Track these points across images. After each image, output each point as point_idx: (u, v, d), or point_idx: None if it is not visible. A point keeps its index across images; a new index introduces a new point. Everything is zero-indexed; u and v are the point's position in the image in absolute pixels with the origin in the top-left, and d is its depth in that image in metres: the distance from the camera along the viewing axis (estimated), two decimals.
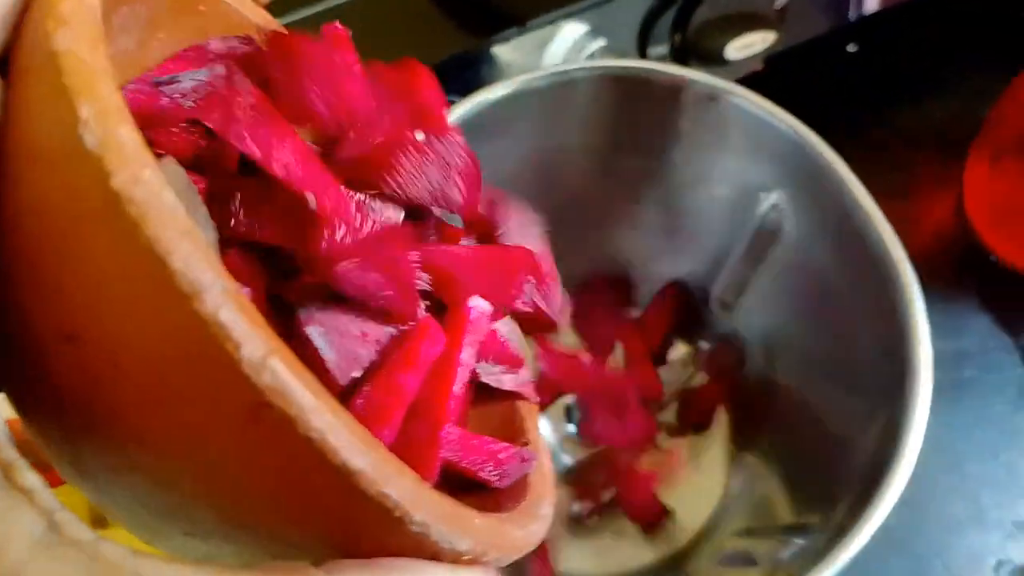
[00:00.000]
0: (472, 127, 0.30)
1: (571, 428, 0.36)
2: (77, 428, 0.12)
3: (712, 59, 0.41)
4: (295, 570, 0.11)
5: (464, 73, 0.40)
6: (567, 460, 0.36)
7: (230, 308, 0.10)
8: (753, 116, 0.29)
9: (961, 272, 0.46)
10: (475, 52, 0.39)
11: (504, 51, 0.40)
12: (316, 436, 0.10)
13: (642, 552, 0.34)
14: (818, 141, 0.28)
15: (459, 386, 0.15)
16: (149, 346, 0.10)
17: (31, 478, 0.10)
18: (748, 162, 0.31)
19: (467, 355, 0.15)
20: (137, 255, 0.10)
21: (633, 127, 0.31)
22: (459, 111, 0.29)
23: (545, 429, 0.36)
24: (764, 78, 0.45)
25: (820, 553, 0.25)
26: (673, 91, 0.29)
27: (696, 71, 0.29)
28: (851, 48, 0.52)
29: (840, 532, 0.26)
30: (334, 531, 0.11)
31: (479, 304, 0.16)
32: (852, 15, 0.46)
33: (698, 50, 0.40)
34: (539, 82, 0.29)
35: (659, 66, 0.29)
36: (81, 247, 0.10)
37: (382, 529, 0.11)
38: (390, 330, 0.14)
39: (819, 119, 0.30)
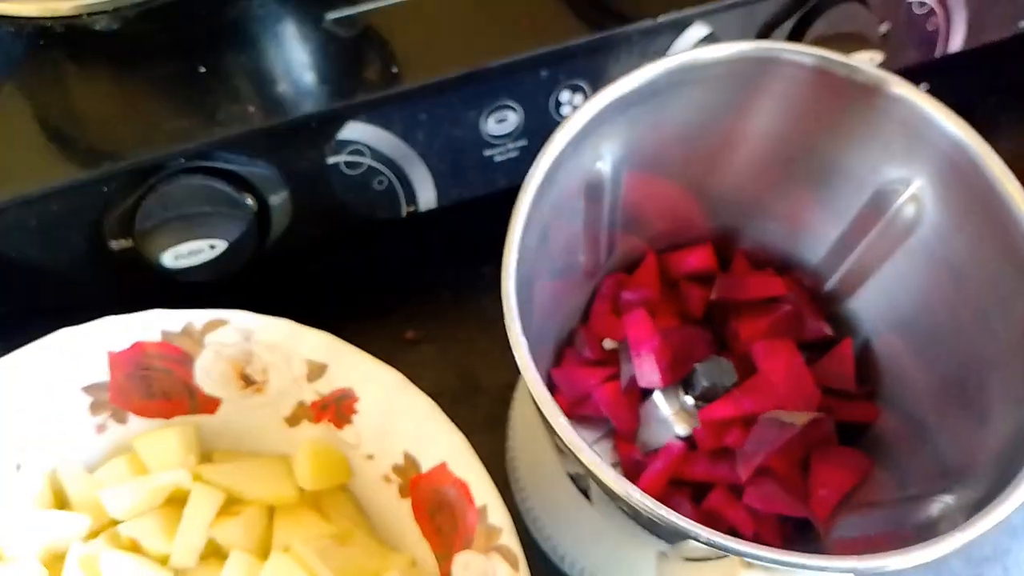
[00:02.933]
0: (648, 91, 0.31)
1: (689, 401, 0.37)
2: None
3: None
4: None
5: (590, 59, 0.42)
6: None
7: None
8: (912, 107, 0.31)
9: None
10: (608, 39, 0.41)
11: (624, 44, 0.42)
12: None
13: None
14: (971, 131, 0.30)
15: None
16: None
17: None
18: (893, 152, 0.33)
19: None
20: None
21: (784, 113, 0.33)
22: (647, 73, 0.30)
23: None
24: None
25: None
26: (868, 90, 0.31)
27: (860, 61, 0.31)
28: (924, 86, 0.55)
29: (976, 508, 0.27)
30: None
31: None
32: (939, 52, 0.50)
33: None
34: (742, 54, 0.31)
35: (851, 61, 0.31)
36: None
37: None
38: None
39: None
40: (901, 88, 0.31)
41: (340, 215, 0.42)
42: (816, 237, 0.38)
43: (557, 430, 0.26)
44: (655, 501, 0.25)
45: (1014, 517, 0.43)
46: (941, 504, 0.29)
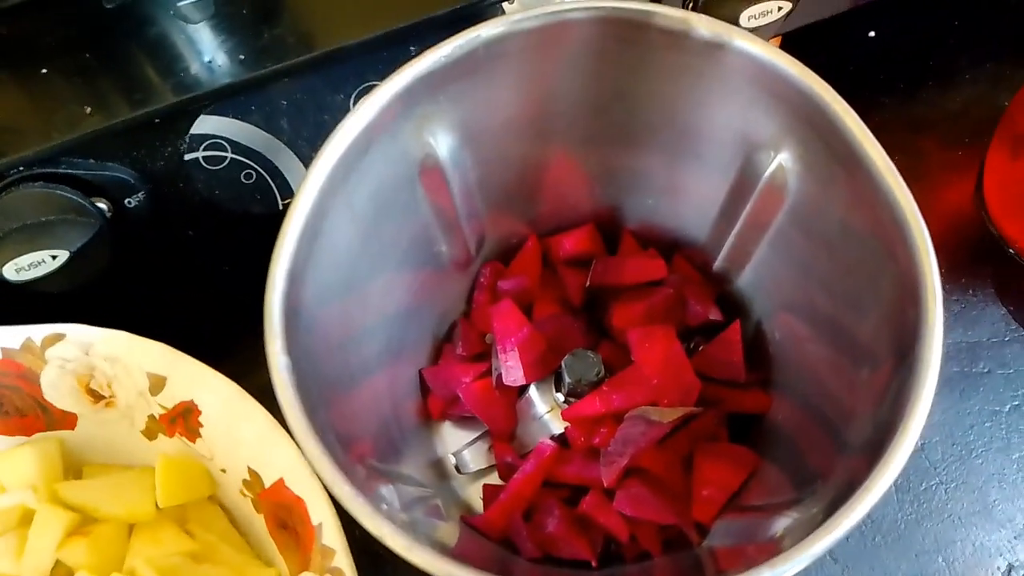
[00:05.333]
0: (462, 69, 0.28)
1: (560, 398, 0.34)
2: None
3: None
4: None
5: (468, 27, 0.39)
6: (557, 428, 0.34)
7: None
8: (761, 64, 0.27)
9: (977, 262, 0.45)
10: (481, 5, 0.37)
11: (509, 9, 0.39)
12: None
13: None
14: (829, 90, 0.27)
15: None
16: None
17: None
18: (755, 116, 0.29)
19: None
20: None
21: (632, 75, 0.30)
22: (445, 49, 0.28)
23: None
24: None
25: (812, 527, 0.24)
26: (676, 36, 0.28)
27: (701, 15, 0.28)
28: (871, 34, 0.51)
29: (831, 509, 0.24)
30: None
31: None
32: None
33: (712, 15, 0.39)
34: (531, 22, 0.27)
35: (661, 8, 0.27)
36: None
37: None
38: None
39: None
40: (742, 41, 0.27)
41: (209, 213, 0.40)
42: (699, 212, 0.34)
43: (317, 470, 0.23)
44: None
45: (961, 508, 0.40)
46: (788, 519, 0.26)
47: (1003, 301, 0.43)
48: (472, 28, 0.27)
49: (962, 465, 0.40)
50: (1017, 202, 0.44)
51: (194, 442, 0.34)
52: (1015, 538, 0.39)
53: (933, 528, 0.39)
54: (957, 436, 0.41)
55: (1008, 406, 0.41)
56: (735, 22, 0.37)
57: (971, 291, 0.44)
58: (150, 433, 0.35)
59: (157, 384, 0.33)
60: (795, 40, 0.43)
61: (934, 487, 0.40)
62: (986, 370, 0.42)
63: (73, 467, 0.37)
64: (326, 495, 0.30)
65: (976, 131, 0.47)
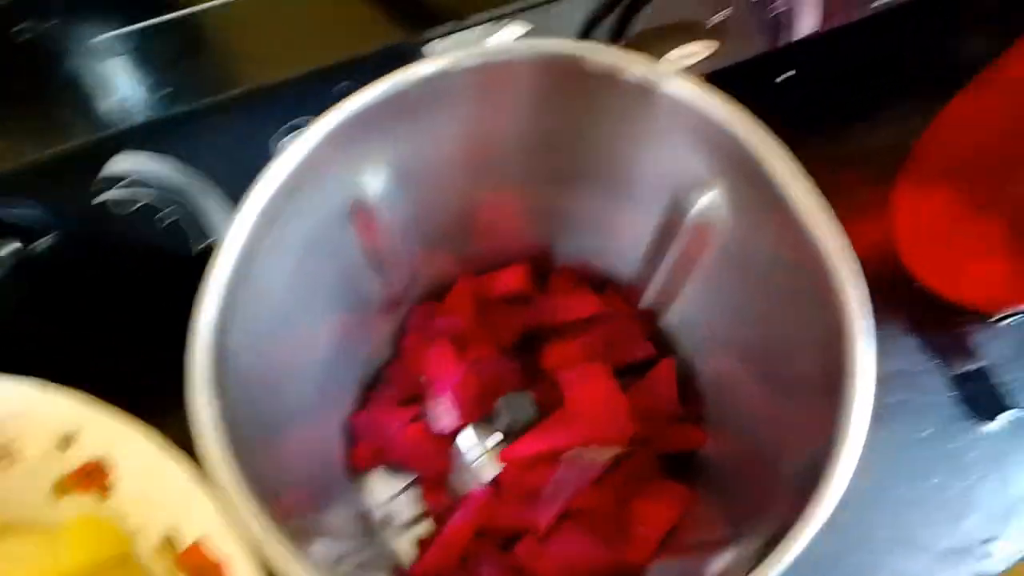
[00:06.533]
0: (396, 108, 0.28)
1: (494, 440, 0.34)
2: None
3: None
4: None
5: (397, 67, 0.38)
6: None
7: None
8: (690, 106, 0.28)
9: (890, 296, 0.46)
10: (410, 45, 0.37)
11: (441, 47, 0.39)
12: None
13: None
14: (755, 129, 0.27)
15: None
16: None
17: None
18: (685, 156, 0.30)
19: None
20: None
21: (566, 115, 0.30)
22: (383, 86, 0.27)
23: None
24: None
25: (750, 566, 0.24)
26: (608, 76, 0.28)
27: (634, 55, 0.28)
28: (780, 79, 0.53)
29: (769, 546, 0.24)
30: None
31: None
32: (783, 40, 0.47)
33: None
34: (469, 61, 0.27)
35: (594, 48, 0.27)
36: None
37: None
38: None
39: None
40: (672, 81, 0.28)
41: (124, 256, 0.38)
42: (628, 249, 0.34)
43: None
44: None
45: (882, 535, 0.41)
46: (725, 559, 0.26)
47: (915, 333, 0.45)
48: (406, 67, 0.27)
49: (881, 494, 0.41)
50: (923, 238, 0.46)
51: (107, 499, 0.32)
52: (935, 563, 0.40)
53: (855, 559, 0.40)
54: (876, 466, 0.42)
55: (924, 433, 0.43)
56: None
57: (884, 324, 0.46)
58: (60, 490, 0.33)
59: (67, 438, 0.31)
60: (717, 82, 0.45)
61: (855, 518, 0.41)
62: (902, 400, 0.44)
63: None
64: (250, 555, 0.29)
65: (892, 169, 0.49)
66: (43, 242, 0.36)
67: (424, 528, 0.34)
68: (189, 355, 0.23)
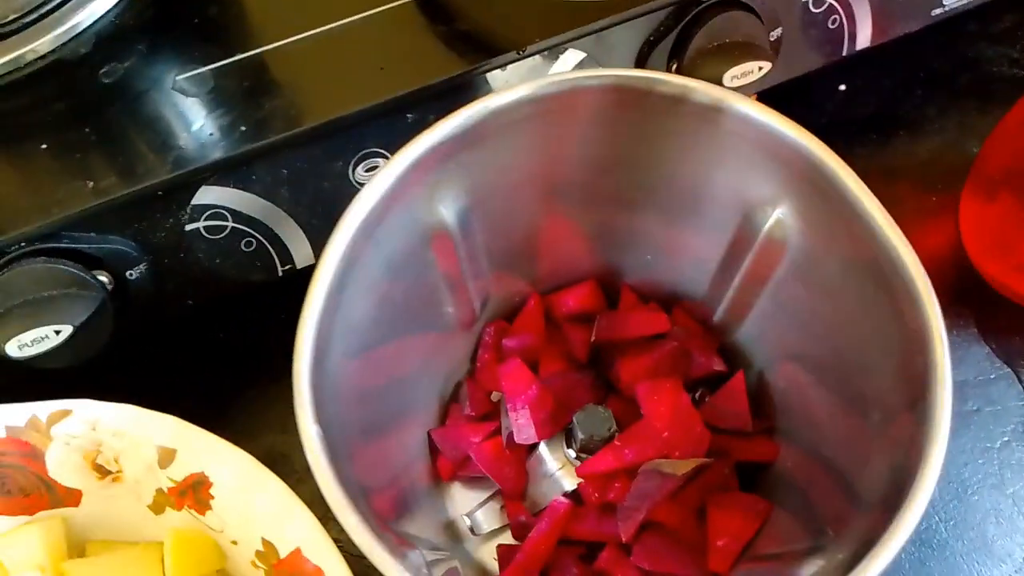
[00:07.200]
0: (472, 137, 0.29)
1: (571, 454, 0.35)
2: None
3: None
4: None
5: (459, 96, 0.40)
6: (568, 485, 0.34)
7: None
8: (758, 126, 0.29)
9: (958, 304, 0.46)
10: (470, 75, 0.39)
11: (501, 77, 0.40)
12: None
13: None
14: (824, 149, 0.28)
15: None
16: None
17: None
18: (753, 174, 0.30)
19: None
20: None
21: (634, 139, 0.31)
22: (459, 119, 0.28)
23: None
24: None
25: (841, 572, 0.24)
26: (675, 101, 0.29)
27: (699, 81, 0.29)
28: (842, 87, 0.53)
29: (856, 558, 0.24)
30: None
31: None
32: (845, 51, 0.47)
33: (696, 78, 0.41)
34: (543, 90, 0.28)
35: (663, 75, 0.28)
36: None
37: None
38: None
39: None
40: (740, 104, 0.28)
41: (210, 282, 0.40)
42: (697, 267, 0.35)
43: (349, 533, 0.23)
44: None
45: (960, 544, 0.40)
46: (813, 567, 0.27)
47: (986, 340, 0.45)
48: (480, 99, 0.28)
49: (960, 503, 0.41)
50: (994, 241, 0.46)
51: (204, 515, 0.34)
52: (1015, 572, 0.40)
53: (937, 567, 0.40)
54: (952, 475, 0.42)
55: (999, 442, 0.42)
56: (719, 83, 0.38)
57: (955, 332, 0.45)
58: (157, 507, 0.35)
59: (166, 457, 0.33)
60: (770, 97, 0.45)
61: (934, 526, 0.41)
62: (975, 408, 0.43)
63: (76, 545, 0.36)
64: (345, 564, 0.30)
65: (947, 177, 0.49)
66: (133, 273, 0.38)
67: (505, 538, 0.35)
68: (295, 382, 0.24)
